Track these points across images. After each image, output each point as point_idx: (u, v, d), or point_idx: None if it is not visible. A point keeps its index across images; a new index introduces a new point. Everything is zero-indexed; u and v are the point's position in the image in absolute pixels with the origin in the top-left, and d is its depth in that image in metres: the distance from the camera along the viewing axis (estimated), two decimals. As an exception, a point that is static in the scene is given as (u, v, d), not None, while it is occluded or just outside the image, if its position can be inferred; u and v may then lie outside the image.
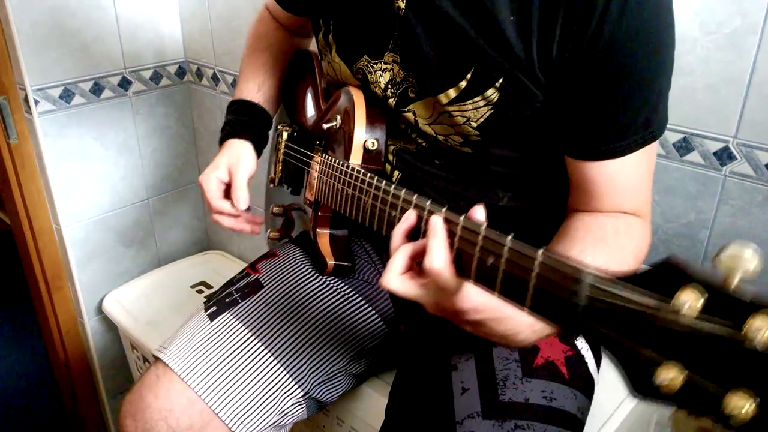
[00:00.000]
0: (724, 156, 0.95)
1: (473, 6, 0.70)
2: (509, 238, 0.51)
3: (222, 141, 1.00)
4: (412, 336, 0.93)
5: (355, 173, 0.78)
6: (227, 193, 0.95)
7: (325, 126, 0.89)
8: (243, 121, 1.00)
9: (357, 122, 0.84)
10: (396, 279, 0.60)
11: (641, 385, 0.41)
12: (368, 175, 0.74)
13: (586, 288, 0.44)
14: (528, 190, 0.84)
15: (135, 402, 0.83)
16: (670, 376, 0.38)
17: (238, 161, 0.95)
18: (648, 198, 0.76)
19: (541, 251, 0.48)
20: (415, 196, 0.64)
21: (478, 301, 0.57)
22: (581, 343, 0.80)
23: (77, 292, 1.67)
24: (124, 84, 1.61)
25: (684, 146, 0.99)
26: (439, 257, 0.56)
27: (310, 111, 1.02)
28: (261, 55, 1.06)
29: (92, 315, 1.73)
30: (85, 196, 1.61)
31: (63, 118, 1.51)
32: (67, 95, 1.50)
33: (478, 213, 0.58)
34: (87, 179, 1.61)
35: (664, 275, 0.39)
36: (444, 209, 0.59)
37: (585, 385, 0.77)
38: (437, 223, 0.57)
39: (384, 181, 0.71)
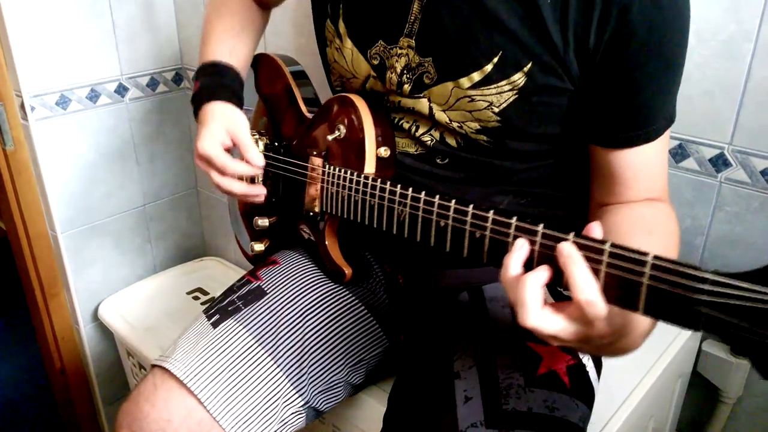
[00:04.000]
0: (720, 162, 0.96)
1: None
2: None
3: (200, 105, 0.91)
4: (413, 345, 0.93)
5: (379, 184, 0.77)
6: None
7: (329, 137, 0.87)
8: (224, 84, 0.92)
9: (366, 131, 0.83)
10: (539, 314, 0.55)
11: None
12: (399, 186, 0.74)
13: (708, 286, 0.48)
14: (532, 189, 0.84)
15: (132, 412, 0.82)
16: None
17: (234, 122, 0.88)
18: (667, 182, 0.78)
19: (652, 256, 0.52)
20: (471, 206, 0.64)
21: (619, 323, 0.56)
22: (583, 353, 0.80)
23: (73, 299, 1.67)
24: (121, 91, 1.61)
25: (680, 153, 0.99)
26: (590, 287, 0.53)
27: (290, 119, 0.99)
28: (228, 21, 1.00)
29: (88, 322, 1.72)
30: (81, 202, 1.61)
31: (59, 125, 1.50)
32: (63, 102, 1.50)
33: (596, 231, 0.56)
34: (83, 186, 1.60)
35: None
36: (572, 235, 0.56)
37: (586, 395, 0.77)
38: (572, 250, 0.54)
39: (423, 191, 0.70)
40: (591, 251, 0.55)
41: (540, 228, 0.58)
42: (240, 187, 0.89)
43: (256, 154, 0.87)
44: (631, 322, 0.57)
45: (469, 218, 0.65)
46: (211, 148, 0.86)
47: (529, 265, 0.59)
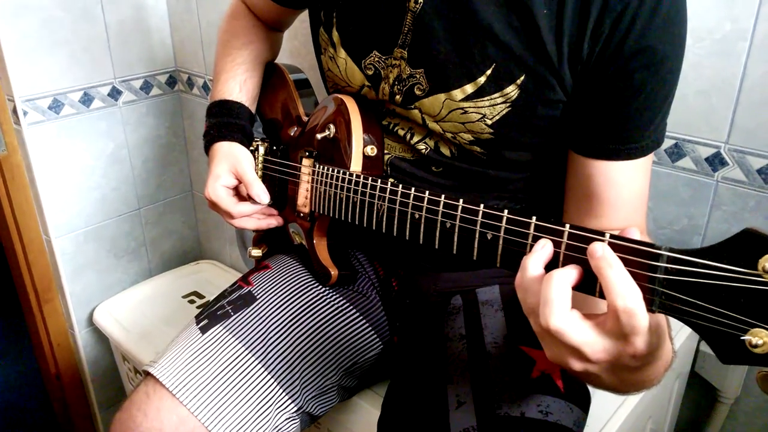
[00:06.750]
0: (716, 162, 0.95)
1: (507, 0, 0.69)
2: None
3: (208, 146, 0.96)
4: (406, 348, 0.92)
5: (362, 180, 0.77)
6: (239, 197, 0.94)
7: (319, 136, 0.87)
8: (229, 123, 0.96)
9: (354, 130, 0.83)
10: (567, 315, 0.48)
11: (729, 351, 0.44)
12: (379, 180, 0.74)
13: (664, 263, 0.46)
14: (527, 196, 0.83)
15: (124, 421, 0.81)
16: (762, 339, 0.42)
17: (238, 161, 0.92)
18: (645, 220, 0.77)
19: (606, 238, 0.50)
20: (443, 196, 0.64)
21: (655, 342, 0.49)
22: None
23: (68, 304, 1.66)
24: (114, 94, 1.60)
25: (676, 152, 0.99)
26: (634, 293, 0.46)
27: (289, 123, 1.00)
28: (239, 54, 1.01)
29: (83, 326, 1.71)
30: (75, 207, 1.60)
31: (52, 129, 1.50)
32: (56, 106, 1.49)
33: (634, 234, 0.50)
34: (77, 190, 1.59)
35: (743, 245, 0.42)
36: (606, 236, 0.50)
37: (581, 398, 0.76)
38: (606, 251, 0.48)
39: (400, 185, 0.70)
40: (552, 234, 0.53)
41: (505, 214, 0.57)
42: (252, 223, 0.94)
43: (260, 192, 0.90)
44: (663, 343, 0.51)
45: (441, 208, 0.65)
46: (215, 193, 0.91)
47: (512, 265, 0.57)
